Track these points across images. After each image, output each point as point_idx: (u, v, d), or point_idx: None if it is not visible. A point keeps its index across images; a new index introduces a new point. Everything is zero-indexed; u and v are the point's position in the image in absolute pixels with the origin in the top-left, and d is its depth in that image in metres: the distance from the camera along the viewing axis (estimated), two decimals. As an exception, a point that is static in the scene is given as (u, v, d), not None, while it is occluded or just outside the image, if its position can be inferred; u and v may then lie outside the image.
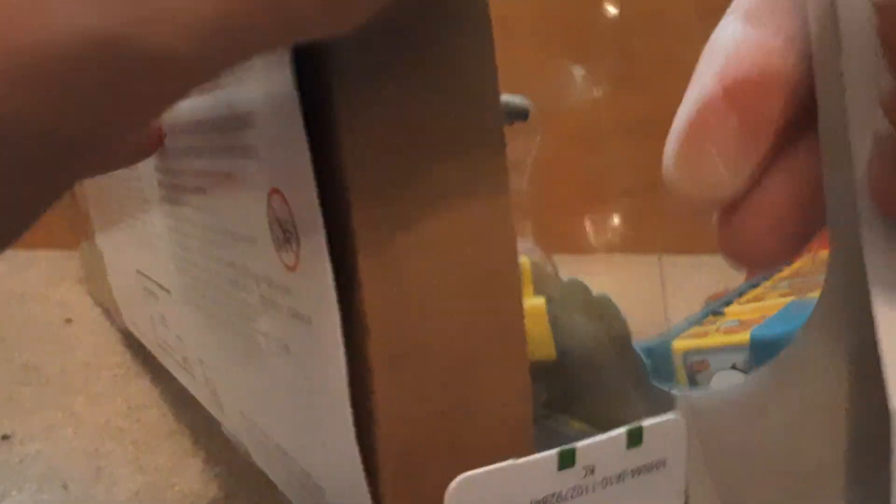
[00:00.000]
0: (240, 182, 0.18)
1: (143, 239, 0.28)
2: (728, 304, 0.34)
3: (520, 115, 0.26)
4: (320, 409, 0.17)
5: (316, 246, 0.15)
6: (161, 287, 0.27)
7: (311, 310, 0.16)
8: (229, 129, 0.18)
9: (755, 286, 0.36)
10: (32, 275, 0.53)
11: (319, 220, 0.15)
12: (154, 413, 0.36)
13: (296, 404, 0.18)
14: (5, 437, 0.34)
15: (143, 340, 0.35)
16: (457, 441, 0.16)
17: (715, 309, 0.33)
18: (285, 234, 0.17)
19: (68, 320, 0.46)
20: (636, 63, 0.51)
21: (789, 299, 0.30)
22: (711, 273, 0.51)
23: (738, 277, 0.44)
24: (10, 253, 0.48)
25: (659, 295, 0.47)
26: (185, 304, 0.24)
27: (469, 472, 0.15)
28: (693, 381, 0.29)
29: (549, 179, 0.56)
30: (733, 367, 0.28)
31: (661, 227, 0.54)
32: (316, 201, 0.15)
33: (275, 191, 0.17)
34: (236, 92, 0.18)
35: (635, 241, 0.54)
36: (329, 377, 0.15)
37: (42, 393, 0.38)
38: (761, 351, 0.27)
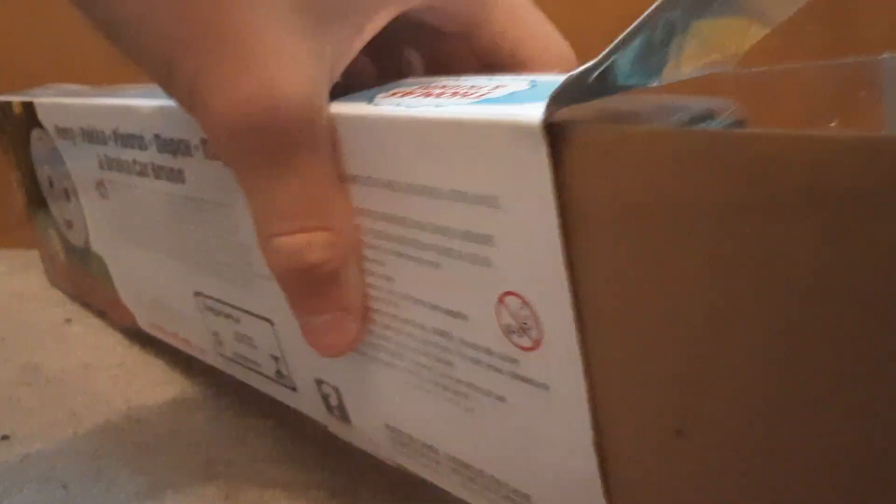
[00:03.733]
0: (466, 268, 0.20)
1: (218, 270, 0.30)
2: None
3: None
4: (548, 449, 0.20)
5: (565, 344, 0.18)
6: (248, 312, 0.30)
7: (550, 381, 0.19)
8: (469, 206, 0.19)
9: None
10: (32, 275, 0.53)
11: (572, 327, 0.18)
12: (154, 413, 0.36)
13: (510, 440, 0.21)
14: (5, 438, 0.34)
15: (180, 345, 0.37)
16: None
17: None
18: (521, 326, 0.19)
19: (68, 320, 0.46)
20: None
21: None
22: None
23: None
24: (9, 253, 0.49)
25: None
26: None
27: None
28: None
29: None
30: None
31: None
32: (570, 314, 0.18)
33: (514, 291, 0.19)
34: (476, 168, 0.18)
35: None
36: (568, 429, 0.19)
37: (42, 393, 0.38)
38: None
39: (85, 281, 0.44)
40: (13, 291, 0.51)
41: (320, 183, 0.21)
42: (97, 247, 0.40)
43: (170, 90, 0.22)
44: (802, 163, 0.13)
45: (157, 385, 0.38)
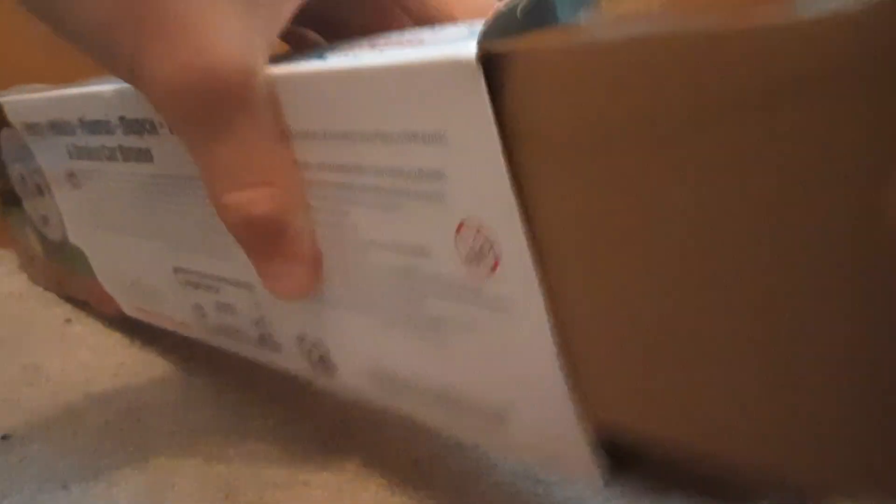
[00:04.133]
0: (422, 206, 0.21)
1: (193, 244, 0.31)
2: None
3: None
4: (518, 366, 0.21)
5: (521, 263, 0.19)
6: (226, 280, 0.30)
7: (512, 300, 0.20)
8: (419, 146, 0.20)
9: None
10: (32, 275, 0.53)
11: (525, 245, 0.19)
12: (154, 413, 0.36)
13: (484, 365, 0.22)
14: (5, 437, 0.34)
15: (165, 324, 0.38)
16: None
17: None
18: (479, 252, 0.20)
19: (68, 320, 0.46)
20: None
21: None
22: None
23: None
24: (9, 253, 0.49)
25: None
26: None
27: None
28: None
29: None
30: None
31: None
32: (521, 234, 0.19)
33: (468, 220, 0.20)
34: (421, 108, 0.19)
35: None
36: (532, 343, 0.20)
37: (42, 393, 0.38)
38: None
39: (66, 275, 0.45)
40: (13, 292, 0.51)
41: (259, 141, 0.23)
42: (75, 239, 0.40)
43: (113, 70, 0.24)
44: (753, 55, 0.14)
45: (157, 385, 0.38)
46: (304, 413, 0.35)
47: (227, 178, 0.23)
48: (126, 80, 0.24)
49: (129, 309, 0.40)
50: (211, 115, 0.22)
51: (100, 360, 0.41)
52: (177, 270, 0.33)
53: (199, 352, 0.41)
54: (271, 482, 0.30)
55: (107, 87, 0.30)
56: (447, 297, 0.22)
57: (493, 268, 0.20)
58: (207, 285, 0.32)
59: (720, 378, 0.17)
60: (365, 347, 0.26)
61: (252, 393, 0.37)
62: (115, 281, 0.39)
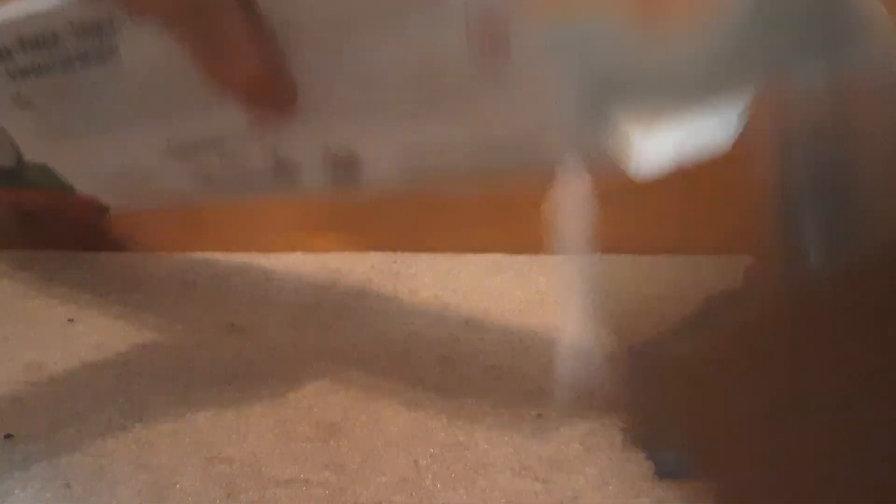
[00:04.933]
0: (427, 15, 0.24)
1: (183, 114, 0.33)
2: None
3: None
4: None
5: (533, 34, 0.22)
6: (228, 130, 0.32)
7: (532, 69, 0.23)
8: None
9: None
10: (34, 274, 0.53)
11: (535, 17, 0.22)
12: (156, 412, 0.36)
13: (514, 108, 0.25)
14: (8, 436, 0.34)
15: (158, 203, 0.40)
16: None
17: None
18: (493, 38, 0.23)
19: (71, 320, 0.46)
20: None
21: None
22: (710, 273, 0.51)
23: (736, 278, 0.44)
24: (11, 253, 0.49)
25: (656, 295, 0.47)
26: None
27: None
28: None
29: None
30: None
31: (659, 226, 0.54)
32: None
33: (477, 14, 0.23)
34: None
35: (633, 242, 0.54)
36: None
37: (45, 392, 0.38)
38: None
39: (24, 194, 0.45)
40: (15, 291, 0.51)
41: (236, 12, 0.26)
42: (33, 156, 0.41)
43: None
44: None
45: (159, 384, 0.38)
46: (304, 412, 0.35)
47: (221, 54, 0.26)
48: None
49: (113, 201, 0.41)
50: (193, 6, 0.26)
51: (102, 359, 0.41)
52: (170, 143, 0.34)
53: (200, 351, 0.41)
54: (272, 481, 0.30)
55: (43, 3, 0.32)
56: (465, 81, 0.24)
57: (508, 52, 0.23)
58: (208, 143, 0.33)
59: None
60: (391, 139, 0.28)
61: (253, 392, 0.37)
62: (94, 179, 0.40)
